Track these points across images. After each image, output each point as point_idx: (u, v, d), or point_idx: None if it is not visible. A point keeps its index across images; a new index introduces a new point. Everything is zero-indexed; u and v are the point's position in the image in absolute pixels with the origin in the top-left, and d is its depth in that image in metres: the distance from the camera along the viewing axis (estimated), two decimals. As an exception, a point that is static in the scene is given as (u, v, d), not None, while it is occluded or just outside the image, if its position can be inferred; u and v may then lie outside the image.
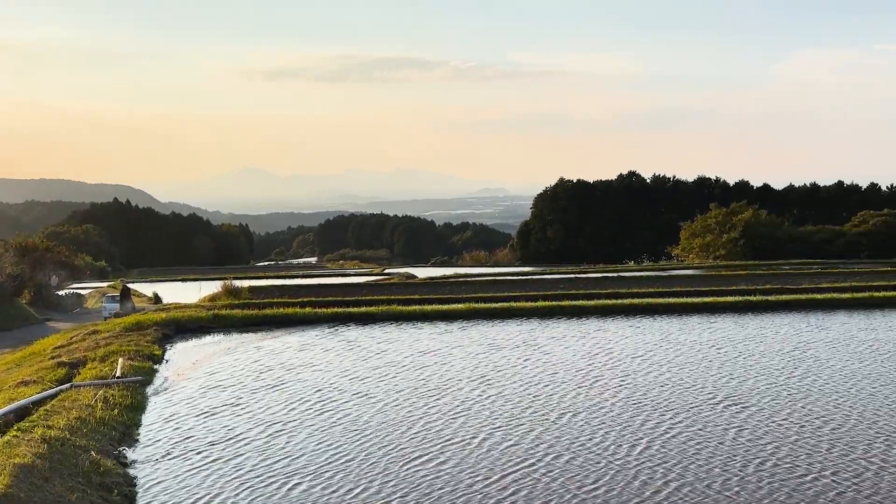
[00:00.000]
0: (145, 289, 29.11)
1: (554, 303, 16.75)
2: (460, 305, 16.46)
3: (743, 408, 8.42)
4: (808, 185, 65.58)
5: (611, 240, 61.20)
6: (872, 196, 60.19)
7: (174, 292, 25.92)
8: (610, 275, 26.98)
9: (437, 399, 9.00)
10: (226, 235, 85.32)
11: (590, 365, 10.77)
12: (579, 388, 9.46)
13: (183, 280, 37.46)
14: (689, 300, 16.93)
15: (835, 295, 17.31)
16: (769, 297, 17.08)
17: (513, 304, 16.57)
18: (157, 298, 22.35)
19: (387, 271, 40.54)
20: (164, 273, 47.14)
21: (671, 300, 17.01)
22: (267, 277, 33.41)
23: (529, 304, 16.56)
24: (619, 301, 17.00)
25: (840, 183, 64.33)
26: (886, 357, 10.93)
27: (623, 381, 9.81)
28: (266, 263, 79.30)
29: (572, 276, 26.99)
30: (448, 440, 7.42)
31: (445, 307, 16.34)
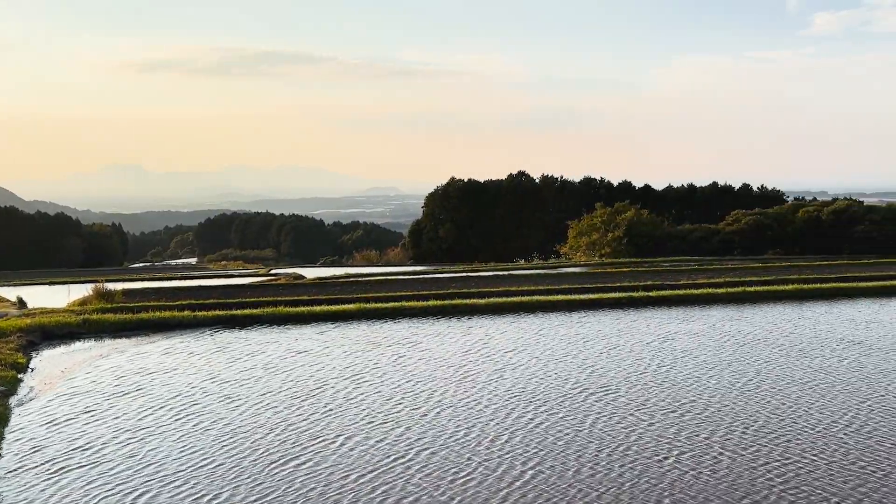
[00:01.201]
0: (8, 293, 27.03)
1: (446, 301, 16.98)
2: (350, 306, 16.36)
3: (606, 397, 8.96)
4: (685, 185, 69.45)
5: (502, 238, 62.51)
6: (744, 197, 64.55)
7: (41, 296, 24.24)
8: (501, 273, 27.60)
9: (309, 399, 9.04)
10: (97, 236, 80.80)
11: (466, 361, 11.08)
12: (453, 383, 9.74)
13: (50, 283, 35.06)
14: (577, 297, 17.60)
15: (710, 290, 18.46)
16: (650, 293, 18.00)
17: (404, 303, 16.67)
18: (21, 303, 20.84)
19: (273, 272, 39.61)
20: (29, 276, 43.98)
21: (560, 297, 17.61)
22: (142, 280, 31.85)
23: (421, 303, 16.72)
24: (511, 299, 17.43)
25: (715, 184, 68.56)
26: (745, 346, 11.82)
27: (496, 375, 10.16)
28: (142, 265, 75.73)
29: (464, 274, 27.39)
30: (317, 440, 7.50)
31: (335, 307, 16.19)
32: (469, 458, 6.94)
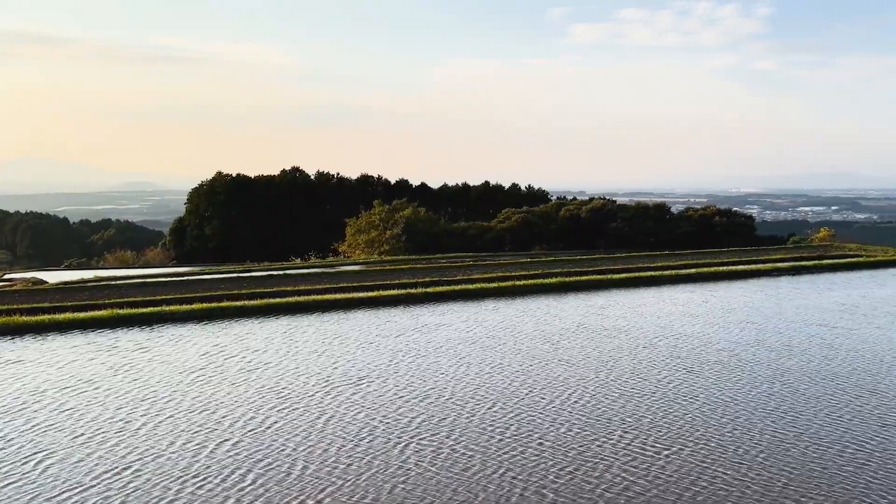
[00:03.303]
0: None
1: (213, 304, 16.18)
2: (102, 312, 15.02)
3: (360, 390, 9.18)
4: (460, 184, 72.95)
5: (275, 237, 61.23)
6: (513, 195, 69.26)
7: None
8: (276, 273, 26.95)
9: (11, 417, 8.27)
10: None
11: (211, 363, 10.73)
12: (193, 387, 9.41)
13: None
14: (355, 295, 17.67)
15: (483, 285, 19.47)
16: (427, 290, 18.58)
17: (164, 308, 15.60)
18: None
19: (7, 276, 35.26)
20: None
21: (338, 296, 17.57)
22: None
23: (185, 306, 15.76)
24: (286, 299, 17.06)
25: (487, 183, 72.81)
26: (495, 336, 12.54)
27: (242, 377, 9.95)
28: None
29: (235, 275, 26.35)
30: (17, 461, 6.92)
31: (82, 315, 14.77)
32: (194, 468, 6.71)
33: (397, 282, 20.40)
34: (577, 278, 20.77)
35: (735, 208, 58.91)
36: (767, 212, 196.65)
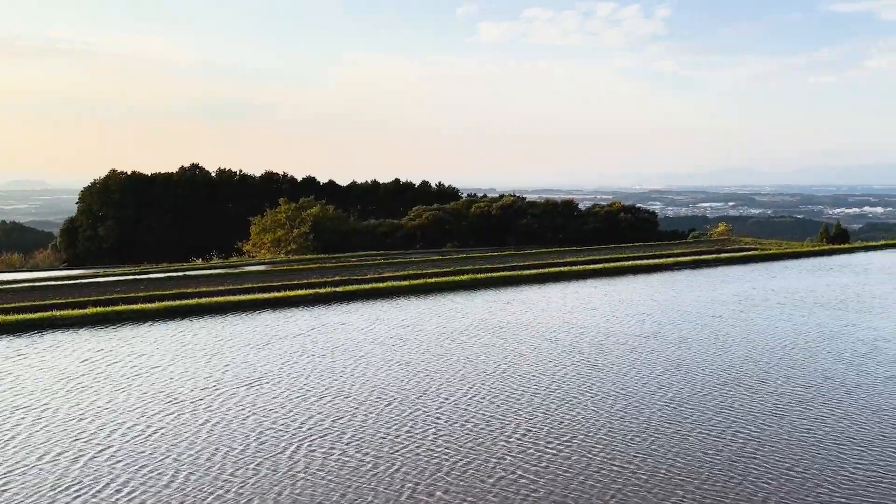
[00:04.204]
0: None
1: (109, 308, 15.64)
2: (-15, 319, 14.30)
3: (244, 393, 9.07)
4: (369, 181, 72.77)
5: (175, 236, 59.42)
6: (423, 193, 69.62)
7: None
8: (175, 274, 26.25)
9: None
10: None
11: (91, 370, 10.38)
12: (69, 396, 9.09)
13: None
14: (260, 296, 17.42)
15: (395, 283, 19.54)
16: (337, 289, 18.51)
17: (55, 312, 14.98)
18: None
19: None
20: None
21: (241, 297, 17.28)
22: None
23: (78, 311, 15.18)
24: (185, 301, 16.66)
25: (397, 180, 72.91)
26: (396, 335, 12.58)
27: (121, 383, 9.66)
28: None
29: (131, 277, 25.54)
30: None
31: (-36, 322, 14.03)
32: (68, 479, 6.51)
33: (305, 281, 20.24)
34: (489, 275, 21.15)
35: (639, 205, 61.19)
36: (669, 208, 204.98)
